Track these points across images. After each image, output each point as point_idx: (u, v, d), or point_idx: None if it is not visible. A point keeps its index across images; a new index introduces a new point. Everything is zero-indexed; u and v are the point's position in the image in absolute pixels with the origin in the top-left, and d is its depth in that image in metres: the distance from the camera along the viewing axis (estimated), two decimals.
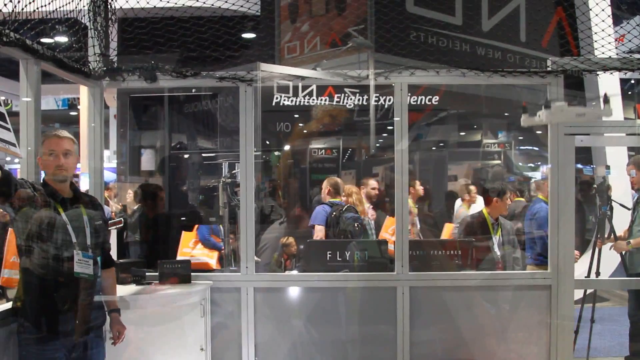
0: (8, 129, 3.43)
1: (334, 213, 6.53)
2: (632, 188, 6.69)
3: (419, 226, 8.34)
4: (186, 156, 9.38)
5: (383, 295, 5.36)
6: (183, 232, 6.76)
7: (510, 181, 12.82)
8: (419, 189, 9.83)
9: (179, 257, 6.47)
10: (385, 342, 5.35)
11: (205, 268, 6.09)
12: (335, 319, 5.38)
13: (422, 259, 5.50)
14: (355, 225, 6.39)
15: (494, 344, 5.38)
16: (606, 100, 4.66)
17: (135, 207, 7.53)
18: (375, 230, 7.26)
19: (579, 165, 13.53)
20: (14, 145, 3.45)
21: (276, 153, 11.90)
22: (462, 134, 14.28)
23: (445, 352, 5.38)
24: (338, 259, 5.50)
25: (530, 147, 14.36)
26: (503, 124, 13.95)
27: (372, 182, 8.06)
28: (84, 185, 5.07)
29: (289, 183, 11.09)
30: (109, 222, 4.78)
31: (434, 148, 13.47)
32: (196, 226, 6.73)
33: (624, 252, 6.35)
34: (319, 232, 6.47)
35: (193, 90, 8.83)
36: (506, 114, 12.68)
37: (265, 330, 5.37)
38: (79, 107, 5.12)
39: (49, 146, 3.87)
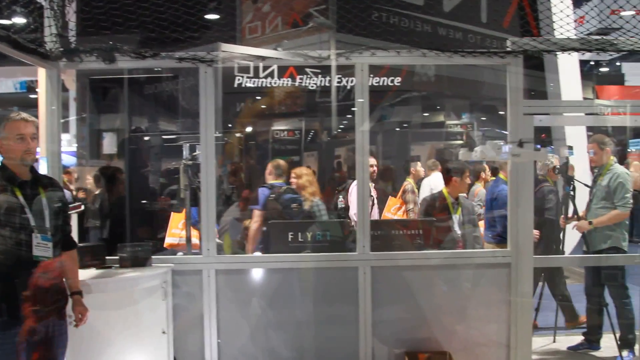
0: None
1: (273, 195, 6.52)
2: (591, 166, 6.78)
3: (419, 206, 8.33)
4: (146, 138, 9.28)
5: (345, 276, 5.38)
6: (172, 214, 6.75)
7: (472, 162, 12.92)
8: (420, 169, 9.91)
9: (167, 238, 6.48)
10: (347, 322, 5.38)
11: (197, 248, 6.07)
12: (298, 299, 5.38)
13: (383, 238, 5.53)
14: (293, 206, 6.38)
15: (454, 322, 5.43)
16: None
17: (97, 192, 7.46)
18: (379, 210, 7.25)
19: (539, 147, 13.70)
20: None
21: (237, 134, 11.85)
22: (426, 114, 14.35)
23: (407, 331, 5.43)
24: (300, 239, 5.50)
25: (492, 128, 14.50)
26: (466, 105, 14.06)
27: (370, 160, 8.03)
28: (43, 169, 5.00)
29: (251, 165, 11.04)
30: (70, 205, 4.73)
31: (397, 129, 13.52)
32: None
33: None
34: (256, 217, 6.45)
35: (156, 70, 8.74)
36: (469, 95, 12.76)
37: (228, 312, 5.36)
38: (37, 90, 5.02)
39: (17, 130, 3.83)
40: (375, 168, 7.89)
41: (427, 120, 14.50)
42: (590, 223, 6.32)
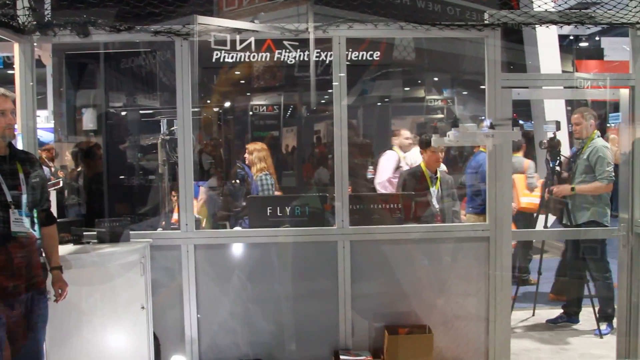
0: None
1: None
2: (575, 137, 6.79)
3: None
4: (124, 113, 9.23)
5: (324, 250, 5.38)
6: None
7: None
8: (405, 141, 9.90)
9: (175, 214, 6.43)
10: (327, 297, 5.39)
11: None
12: (277, 274, 5.39)
13: (362, 212, 5.54)
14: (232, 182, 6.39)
15: (434, 296, 5.46)
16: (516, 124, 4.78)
17: (78, 169, 7.42)
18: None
19: (520, 122, 13.77)
20: None
21: (215, 109, 11.78)
22: (407, 89, 14.34)
23: (387, 305, 5.45)
24: (279, 214, 5.49)
25: (474, 103, 14.51)
26: (447, 80, 14.05)
27: (405, 132, 8.01)
28: (19, 145, 4.96)
29: (229, 140, 11.00)
30: (49, 183, 4.70)
31: (378, 103, 13.50)
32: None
33: (569, 203, 6.48)
34: (202, 194, 6.45)
35: (137, 45, 8.67)
36: (450, 69, 12.76)
37: (207, 287, 5.35)
38: (14, 65, 4.99)
39: None
40: (410, 141, 7.86)
41: (408, 95, 14.49)
42: (572, 189, 6.35)
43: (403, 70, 12.22)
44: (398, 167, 7.51)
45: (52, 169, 8.74)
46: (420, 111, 14.07)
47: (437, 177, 6.54)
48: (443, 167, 7.19)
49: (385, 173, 7.56)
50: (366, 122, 12.63)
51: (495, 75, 5.29)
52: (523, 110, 12.38)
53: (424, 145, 6.59)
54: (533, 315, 7.08)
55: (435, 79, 13.96)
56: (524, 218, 7.75)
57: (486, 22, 5.24)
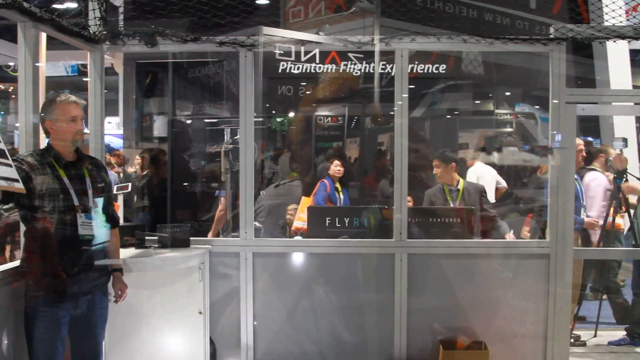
0: (9, 165, 3.42)
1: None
2: None
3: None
4: (189, 121, 9.39)
5: (381, 262, 5.38)
6: (303, 197, 7.00)
7: (525, 149, 12.78)
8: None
9: (295, 222, 6.62)
10: (382, 309, 5.38)
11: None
12: (334, 284, 5.40)
13: (420, 226, 5.51)
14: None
15: (491, 312, 5.39)
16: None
17: (145, 173, 7.60)
18: None
19: (589, 138, 13.46)
20: (16, 181, 3.45)
21: (278, 119, 11.88)
22: (477, 102, 14.18)
23: (443, 319, 5.40)
24: (337, 225, 5.51)
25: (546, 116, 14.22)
26: (518, 93, 13.85)
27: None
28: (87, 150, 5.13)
29: (294, 151, 11.06)
30: (117, 186, 4.82)
31: (448, 116, 13.40)
32: (314, 191, 6.91)
33: (635, 222, 6.33)
34: (221, 205, 6.46)
35: (204, 55, 8.83)
36: (521, 83, 12.57)
37: (264, 295, 5.41)
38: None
39: (69, 112, 3.95)
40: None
41: (477, 108, 14.33)
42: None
43: (472, 83, 12.11)
44: None
45: (121, 175, 8.98)
46: (490, 124, 13.89)
47: (458, 190, 6.49)
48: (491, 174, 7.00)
49: None
50: (433, 135, 12.53)
51: (560, 90, 5.21)
52: (592, 126, 12.13)
53: (445, 160, 6.57)
54: (595, 336, 6.90)
55: (507, 93, 13.78)
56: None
57: (551, 36, 5.17)
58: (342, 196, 7.48)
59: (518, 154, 11.29)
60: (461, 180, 6.60)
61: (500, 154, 8.22)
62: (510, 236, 6.10)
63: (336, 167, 7.53)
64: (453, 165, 6.58)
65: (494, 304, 5.39)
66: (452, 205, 6.30)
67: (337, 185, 7.52)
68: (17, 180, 3.41)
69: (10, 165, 3.39)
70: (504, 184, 9.36)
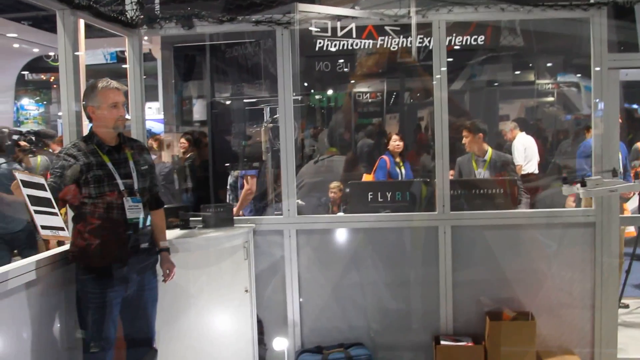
0: (55, 214, 3.49)
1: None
2: None
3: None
4: (229, 103, 9.42)
5: (425, 236, 5.37)
6: (364, 175, 7.13)
7: (566, 119, 12.63)
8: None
9: None
10: (428, 282, 5.38)
11: None
12: (378, 260, 5.42)
13: (463, 198, 5.49)
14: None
15: (537, 283, 5.34)
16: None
17: (188, 155, 7.68)
18: None
19: (635, 106, 13.21)
20: (62, 229, 3.52)
21: (317, 97, 11.85)
22: (517, 73, 13.99)
23: (488, 291, 5.37)
24: (380, 199, 5.51)
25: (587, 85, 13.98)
26: (559, 62, 13.63)
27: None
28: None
29: (334, 128, 11.05)
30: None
31: (486, 88, 13.25)
32: (374, 168, 6.96)
33: None
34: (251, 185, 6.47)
35: (240, 36, 8.83)
36: (562, 51, 12.36)
37: (309, 272, 5.45)
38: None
39: (112, 98, 3.99)
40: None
41: (517, 79, 14.14)
42: None
43: (512, 54, 11.94)
44: None
45: (162, 160, 9.05)
46: (531, 95, 13.71)
47: (485, 160, 6.46)
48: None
49: None
50: (473, 107, 12.41)
51: (602, 56, 5.12)
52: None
53: (474, 130, 6.61)
54: None
55: (549, 64, 13.56)
56: None
57: (591, 1, 5.07)
58: (403, 170, 7.51)
59: (560, 123, 11.18)
60: (490, 151, 6.61)
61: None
62: None
63: (395, 142, 7.60)
64: (481, 136, 6.62)
65: (540, 274, 5.34)
66: (478, 171, 6.30)
67: (398, 159, 7.55)
68: (62, 229, 3.49)
69: (56, 214, 3.47)
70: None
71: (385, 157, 7.48)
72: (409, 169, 7.59)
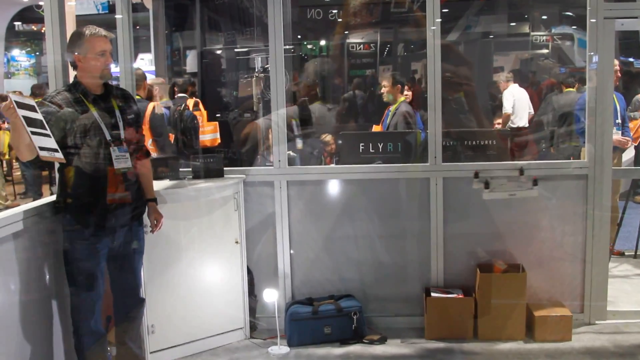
0: (48, 135, 3.40)
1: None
2: None
3: None
4: (219, 52, 9.30)
5: (416, 187, 5.34)
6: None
7: (561, 72, 12.54)
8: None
9: None
10: (419, 235, 5.36)
11: None
12: (369, 211, 5.39)
13: (455, 149, 5.44)
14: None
15: (528, 236, 5.34)
16: None
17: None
18: None
19: (631, 59, 13.11)
20: (56, 151, 3.44)
21: (309, 46, 11.72)
22: (512, 24, 13.89)
23: (480, 244, 5.36)
24: (371, 150, 5.46)
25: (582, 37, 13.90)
26: (555, 15, 13.54)
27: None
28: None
29: (326, 79, 10.95)
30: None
31: (482, 39, 13.16)
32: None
33: None
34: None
35: None
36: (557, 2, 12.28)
37: (300, 223, 5.42)
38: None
39: (100, 46, 3.87)
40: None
41: (512, 31, 14.04)
42: None
43: (507, 4, 11.85)
44: None
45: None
46: (525, 47, 13.62)
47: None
48: None
49: None
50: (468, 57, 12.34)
51: (597, 4, 5.03)
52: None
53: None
54: (635, 257, 6.83)
55: (544, 17, 13.45)
56: None
57: None
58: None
59: (555, 76, 11.12)
60: (399, 102, 6.61)
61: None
62: None
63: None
64: (398, 87, 6.64)
65: (531, 227, 5.33)
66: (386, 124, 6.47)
67: None
68: (56, 151, 3.43)
69: (49, 136, 3.40)
70: (531, 110, 9.40)
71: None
72: (419, 118, 7.48)
